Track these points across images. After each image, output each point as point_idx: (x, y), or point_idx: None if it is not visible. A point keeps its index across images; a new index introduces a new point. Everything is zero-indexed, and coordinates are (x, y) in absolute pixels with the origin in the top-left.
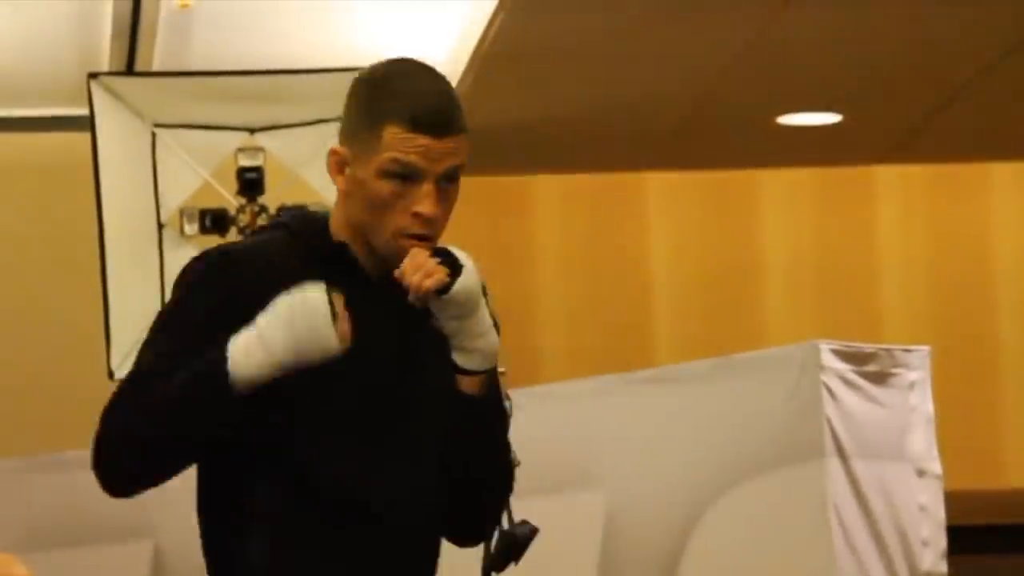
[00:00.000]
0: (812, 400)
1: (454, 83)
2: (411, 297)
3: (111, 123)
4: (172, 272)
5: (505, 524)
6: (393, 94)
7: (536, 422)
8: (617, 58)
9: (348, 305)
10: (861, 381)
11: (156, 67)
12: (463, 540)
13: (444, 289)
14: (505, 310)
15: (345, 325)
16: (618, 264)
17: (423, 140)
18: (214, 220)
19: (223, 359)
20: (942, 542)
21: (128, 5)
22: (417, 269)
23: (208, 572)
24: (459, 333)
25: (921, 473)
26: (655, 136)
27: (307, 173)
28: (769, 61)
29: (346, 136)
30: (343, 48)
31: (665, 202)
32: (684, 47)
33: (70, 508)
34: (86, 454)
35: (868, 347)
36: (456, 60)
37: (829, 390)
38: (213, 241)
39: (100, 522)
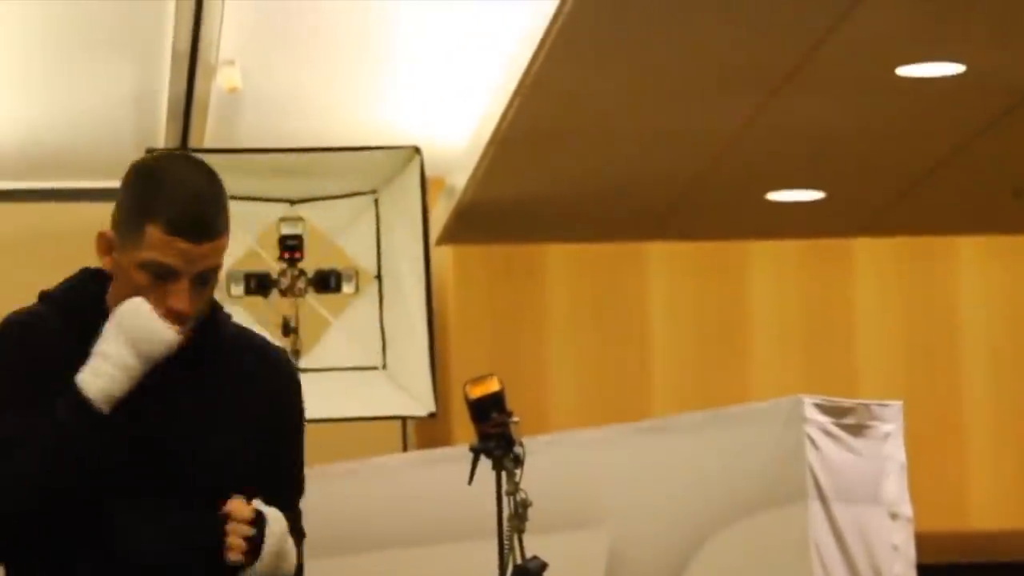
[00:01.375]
0: (796, 449)
1: (474, 162)
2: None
3: None
4: None
5: (519, 559)
6: (157, 194)
7: (545, 467)
8: (621, 141)
9: None
10: (840, 432)
11: (207, 144)
12: None
13: (242, 567)
14: (518, 364)
15: (171, 322)
16: (620, 325)
17: (180, 244)
18: (258, 282)
19: (74, 391)
20: None
21: (182, 88)
22: (231, 540)
23: None
24: None
25: (894, 516)
26: (655, 210)
27: (342, 240)
28: (759, 144)
29: (115, 222)
30: (375, 129)
31: (664, 270)
32: (681, 131)
33: None
34: None
35: (847, 401)
36: (477, 141)
37: (811, 440)
38: (257, 301)
39: None
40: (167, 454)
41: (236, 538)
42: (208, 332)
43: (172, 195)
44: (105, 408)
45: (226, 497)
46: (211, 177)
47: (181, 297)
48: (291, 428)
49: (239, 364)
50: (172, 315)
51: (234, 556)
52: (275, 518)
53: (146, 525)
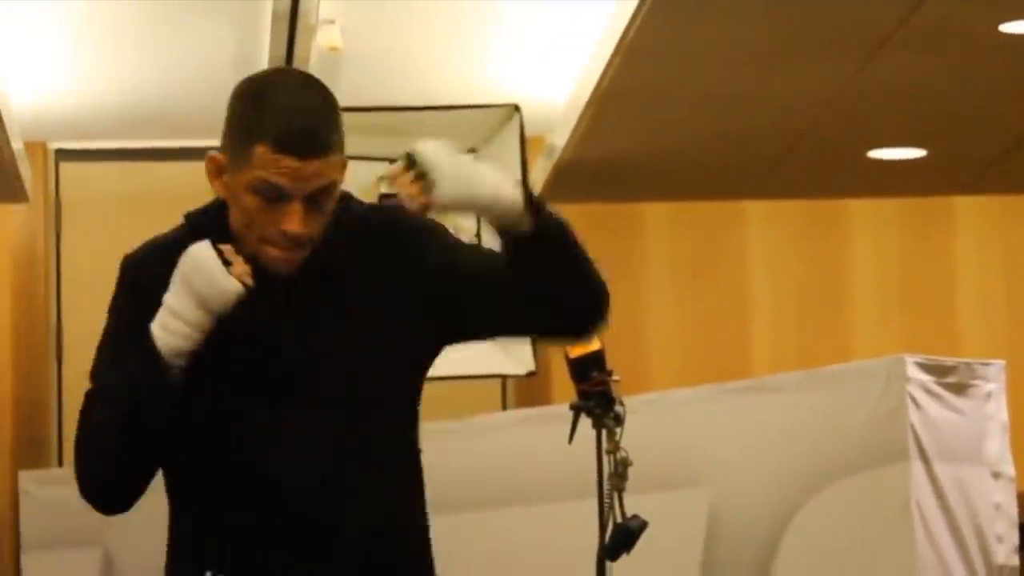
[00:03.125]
0: (897, 408)
1: (574, 120)
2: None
3: None
4: None
5: (619, 517)
6: (264, 112)
7: (646, 426)
8: (720, 98)
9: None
10: (942, 391)
11: None
12: (567, 335)
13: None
14: (617, 323)
15: (240, 267)
16: (720, 284)
17: (289, 162)
18: None
19: (150, 346)
20: (1015, 538)
21: (283, 48)
22: (401, 195)
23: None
24: (480, 214)
25: (996, 475)
26: (755, 168)
27: None
28: (860, 101)
29: (223, 145)
30: (475, 87)
31: (764, 228)
32: (782, 89)
33: None
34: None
35: (949, 360)
36: (577, 99)
37: (913, 399)
38: None
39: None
40: (302, 371)
41: (404, 185)
42: (333, 240)
43: (278, 111)
44: (177, 363)
45: (370, 405)
46: (322, 91)
47: (293, 219)
48: (447, 268)
49: (376, 253)
50: (285, 237)
51: (419, 202)
52: (439, 145)
53: (287, 436)
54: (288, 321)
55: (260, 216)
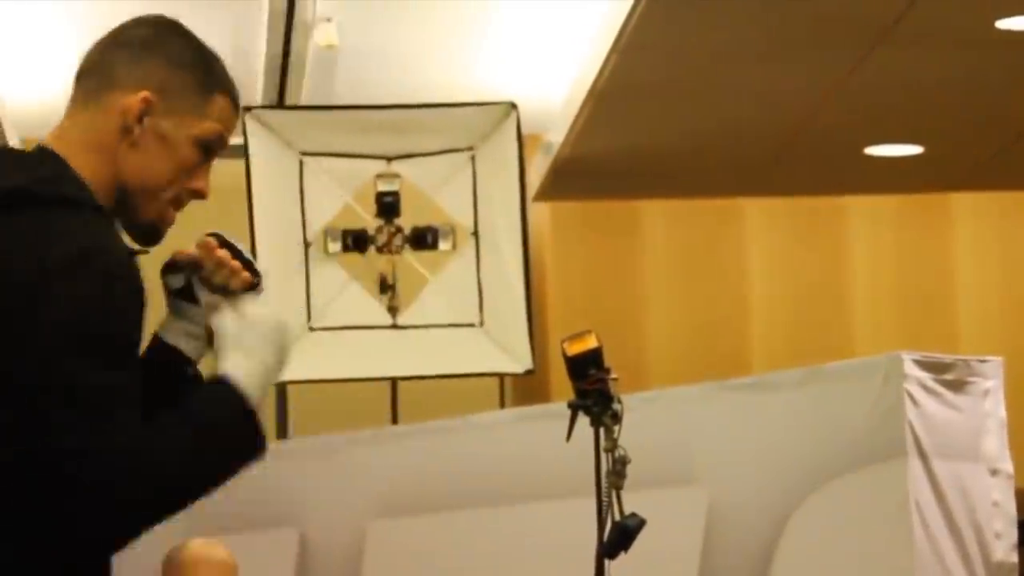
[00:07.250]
0: (895, 405)
1: (571, 117)
2: (211, 295)
3: (263, 152)
4: (317, 286)
5: (617, 515)
6: (219, 64)
7: (644, 424)
8: (717, 95)
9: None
10: (940, 388)
11: (304, 101)
12: None
13: (252, 287)
14: (615, 321)
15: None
16: (718, 281)
17: (234, 122)
18: (355, 239)
19: (243, 408)
20: (1013, 534)
21: (279, 45)
22: (221, 266)
23: None
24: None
25: (994, 472)
26: (752, 165)
27: (439, 197)
28: (857, 98)
29: (165, 88)
30: (472, 85)
31: (761, 225)
32: (780, 85)
33: None
34: None
35: (947, 357)
36: (573, 97)
37: (911, 396)
38: (354, 258)
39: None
40: None
41: (223, 259)
42: None
43: (226, 70)
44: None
45: None
46: None
47: (207, 179)
48: None
49: None
50: (192, 198)
51: (243, 278)
52: None
53: None
54: None
55: (188, 173)
